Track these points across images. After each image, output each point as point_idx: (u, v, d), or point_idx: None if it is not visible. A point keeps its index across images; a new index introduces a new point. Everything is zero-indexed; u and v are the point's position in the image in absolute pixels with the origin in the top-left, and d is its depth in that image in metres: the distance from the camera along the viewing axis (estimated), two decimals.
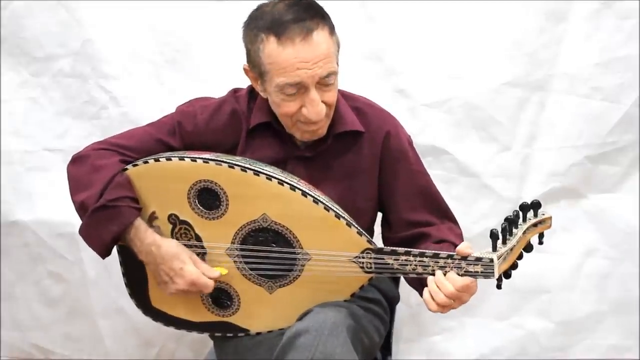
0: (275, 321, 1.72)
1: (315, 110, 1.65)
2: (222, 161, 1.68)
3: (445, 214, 1.84)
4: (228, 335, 1.78)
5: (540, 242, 1.63)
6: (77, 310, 2.63)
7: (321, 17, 1.65)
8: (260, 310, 1.73)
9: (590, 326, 2.49)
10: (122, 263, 1.82)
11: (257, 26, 1.65)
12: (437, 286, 1.54)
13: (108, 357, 2.63)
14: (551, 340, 2.50)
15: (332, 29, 1.67)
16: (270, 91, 1.68)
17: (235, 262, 1.72)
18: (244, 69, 1.74)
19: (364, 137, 1.79)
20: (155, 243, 1.70)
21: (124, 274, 1.83)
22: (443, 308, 1.55)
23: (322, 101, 1.66)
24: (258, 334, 1.75)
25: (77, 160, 1.78)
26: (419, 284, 1.67)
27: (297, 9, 1.63)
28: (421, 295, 1.69)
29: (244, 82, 1.85)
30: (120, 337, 2.62)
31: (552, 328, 2.50)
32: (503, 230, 1.52)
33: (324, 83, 1.65)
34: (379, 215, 1.89)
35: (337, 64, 1.69)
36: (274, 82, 1.64)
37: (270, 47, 1.62)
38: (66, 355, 2.68)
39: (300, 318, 1.65)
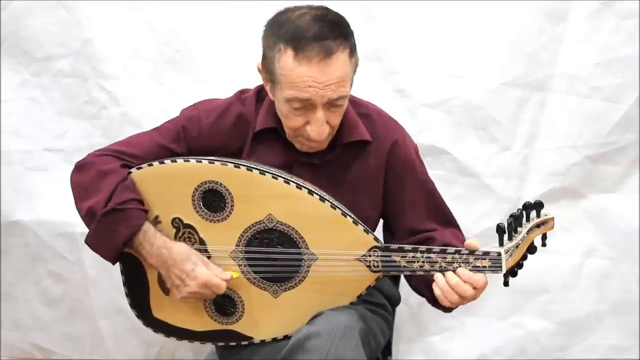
0: (280, 327, 1.68)
1: (319, 130, 1.63)
2: (228, 161, 1.65)
3: (449, 221, 1.82)
4: (231, 344, 1.74)
5: (544, 244, 1.63)
6: (78, 310, 2.63)
7: (344, 37, 1.61)
8: (265, 316, 1.69)
9: (590, 326, 2.49)
10: (123, 272, 1.77)
11: (278, 34, 1.61)
12: (450, 287, 1.54)
13: (108, 357, 2.63)
14: (551, 340, 2.50)
15: (352, 50, 1.63)
16: (279, 99, 1.66)
17: (239, 265, 1.68)
18: (258, 68, 1.71)
19: (370, 145, 1.77)
20: (165, 246, 1.66)
21: (124, 284, 1.77)
22: (453, 304, 1.57)
23: (327, 121, 1.64)
24: (262, 342, 1.71)
25: (81, 168, 1.73)
26: (425, 287, 1.66)
27: (323, 25, 1.59)
28: (428, 299, 1.70)
29: (245, 82, 1.84)
30: (120, 336, 2.61)
31: (552, 328, 2.49)
32: (509, 225, 1.52)
33: (332, 104, 1.63)
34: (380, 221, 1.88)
35: (351, 84, 1.66)
36: (284, 93, 1.62)
37: (286, 60, 1.59)
38: (66, 355, 2.68)
39: (311, 321, 1.62)
